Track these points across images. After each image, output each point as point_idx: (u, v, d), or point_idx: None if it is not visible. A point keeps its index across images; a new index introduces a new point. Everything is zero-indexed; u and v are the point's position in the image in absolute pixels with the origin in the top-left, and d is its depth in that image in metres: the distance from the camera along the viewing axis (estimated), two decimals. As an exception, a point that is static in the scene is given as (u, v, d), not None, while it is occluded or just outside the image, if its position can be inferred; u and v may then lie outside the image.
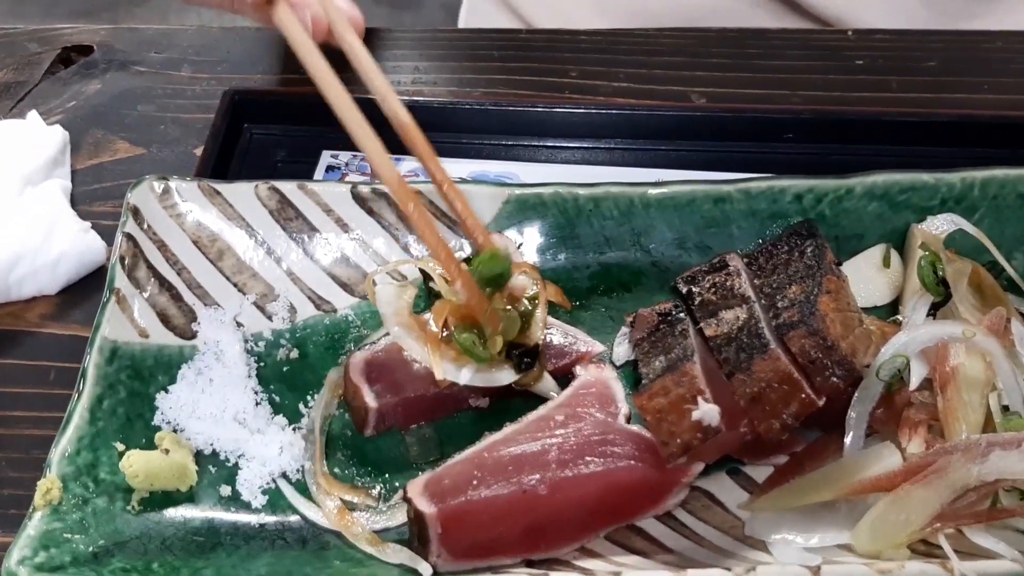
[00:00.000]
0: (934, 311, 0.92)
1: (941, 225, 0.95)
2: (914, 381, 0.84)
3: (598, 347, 0.93)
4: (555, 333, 0.93)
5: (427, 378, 0.87)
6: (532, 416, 0.87)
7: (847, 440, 0.82)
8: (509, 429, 0.86)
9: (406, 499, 0.81)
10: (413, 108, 1.18)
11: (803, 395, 0.80)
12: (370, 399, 0.88)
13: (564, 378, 0.92)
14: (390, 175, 0.85)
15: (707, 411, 0.78)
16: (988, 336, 0.84)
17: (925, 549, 0.79)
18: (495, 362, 0.85)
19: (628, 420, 0.87)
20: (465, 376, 0.85)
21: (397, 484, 0.87)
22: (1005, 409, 0.83)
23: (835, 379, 0.80)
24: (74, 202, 1.12)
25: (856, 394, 0.83)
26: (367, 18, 1.11)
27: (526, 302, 0.88)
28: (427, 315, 0.88)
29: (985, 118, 1.16)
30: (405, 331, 0.86)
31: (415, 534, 0.81)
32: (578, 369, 0.92)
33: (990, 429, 0.82)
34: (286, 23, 0.91)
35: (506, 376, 0.86)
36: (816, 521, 0.81)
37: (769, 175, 0.99)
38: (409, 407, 0.89)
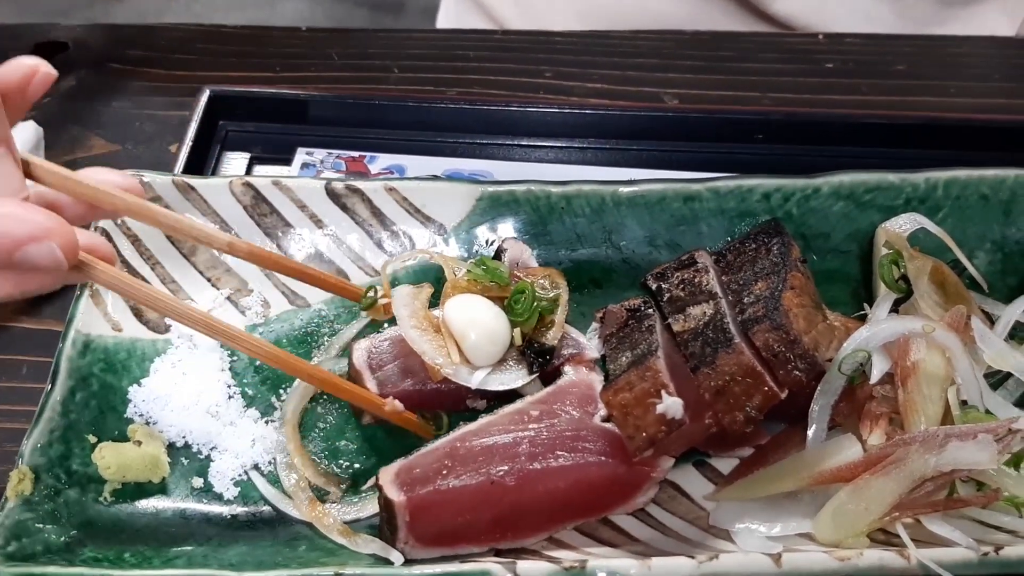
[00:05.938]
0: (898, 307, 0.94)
1: (904, 224, 0.97)
2: (875, 375, 0.85)
3: (593, 353, 0.92)
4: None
5: (428, 370, 0.87)
6: (507, 409, 0.87)
7: (810, 432, 0.84)
8: (483, 420, 0.86)
9: (378, 486, 0.82)
10: (389, 107, 1.21)
11: (766, 388, 0.81)
12: (371, 386, 0.88)
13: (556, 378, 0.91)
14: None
15: (671, 404, 0.79)
16: (948, 332, 0.86)
17: (884, 538, 0.81)
18: (507, 364, 0.86)
19: (606, 420, 0.86)
20: (477, 379, 0.85)
21: (368, 477, 0.87)
22: (963, 403, 0.85)
23: (798, 372, 0.82)
24: (49, 197, 1.12)
25: (819, 388, 0.85)
26: (348, 20, 1.12)
27: (547, 300, 0.88)
28: (436, 312, 0.88)
29: (951, 121, 1.19)
30: (420, 333, 0.86)
31: (385, 520, 0.81)
32: (567, 368, 0.90)
33: (948, 422, 0.84)
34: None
35: (518, 379, 0.87)
36: (779, 511, 0.83)
37: (738, 174, 1.01)
38: (409, 398, 0.89)
